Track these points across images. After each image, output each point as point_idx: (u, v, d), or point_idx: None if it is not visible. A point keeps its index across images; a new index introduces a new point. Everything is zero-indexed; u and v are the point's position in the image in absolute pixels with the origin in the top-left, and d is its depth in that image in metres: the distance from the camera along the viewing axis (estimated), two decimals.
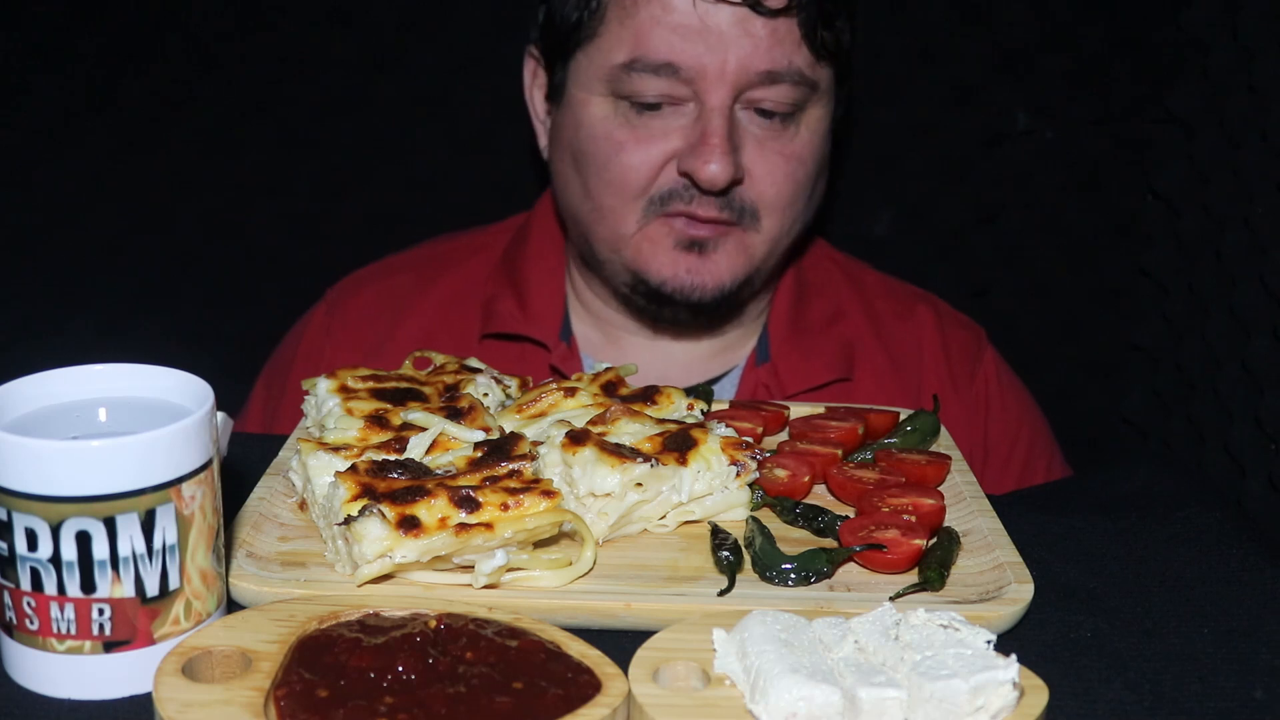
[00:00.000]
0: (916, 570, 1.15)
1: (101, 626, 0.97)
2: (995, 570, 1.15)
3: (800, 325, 1.89)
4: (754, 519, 1.22)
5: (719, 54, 1.62)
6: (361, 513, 1.07)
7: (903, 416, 1.46)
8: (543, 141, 1.86)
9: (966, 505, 1.28)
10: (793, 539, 1.22)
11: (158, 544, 0.97)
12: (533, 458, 1.19)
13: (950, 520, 1.25)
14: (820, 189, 1.81)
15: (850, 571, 1.16)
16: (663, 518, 1.23)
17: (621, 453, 1.20)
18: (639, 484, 1.19)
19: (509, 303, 1.88)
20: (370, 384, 1.35)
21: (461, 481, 1.12)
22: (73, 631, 0.97)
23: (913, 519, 1.20)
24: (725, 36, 1.62)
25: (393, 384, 1.35)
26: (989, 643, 0.95)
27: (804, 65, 1.66)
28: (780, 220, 1.73)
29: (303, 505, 1.24)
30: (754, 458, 1.26)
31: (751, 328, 1.92)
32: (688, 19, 1.62)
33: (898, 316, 1.95)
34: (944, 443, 1.45)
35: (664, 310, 1.79)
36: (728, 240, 1.71)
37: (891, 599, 1.10)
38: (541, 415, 1.34)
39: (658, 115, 1.67)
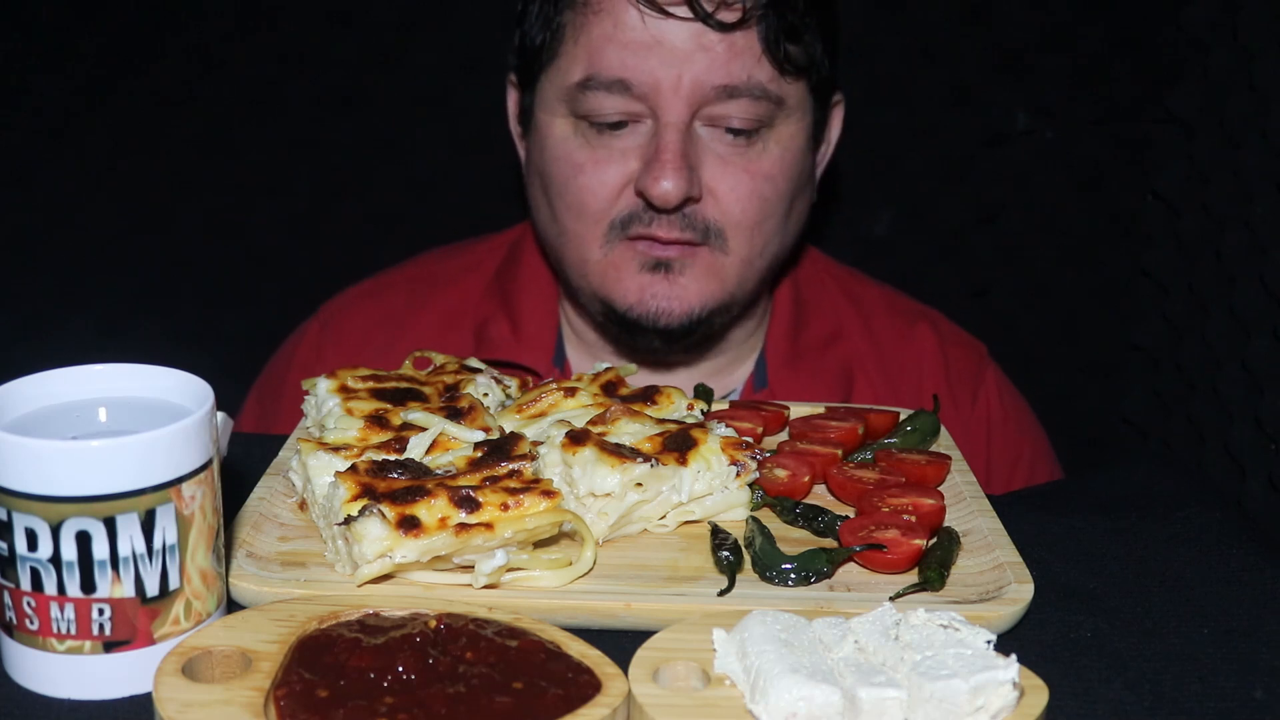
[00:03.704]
0: (916, 570, 1.15)
1: (101, 626, 0.97)
2: (995, 570, 1.15)
3: (798, 348, 1.87)
4: (754, 519, 1.22)
5: (673, 69, 1.59)
6: (361, 513, 1.07)
7: (903, 416, 1.46)
8: (523, 168, 1.85)
9: (966, 505, 1.28)
10: (793, 539, 1.22)
11: (158, 544, 0.97)
12: (533, 458, 1.19)
13: (950, 520, 1.24)
14: (801, 208, 1.77)
15: (850, 571, 1.16)
16: (663, 518, 1.23)
17: (621, 453, 1.20)
18: (639, 484, 1.19)
19: (502, 327, 1.86)
20: (370, 384, 1.35)
21: (461, 481, 1.12)
22: (73, 631, 0.97)
23: (913, 519, 1.20)
24: (679, 51, 1.59)
25: (393, 384, 1.35)
26: (989, 643, 0.95)
27: (765, 79, 1.62)
28: (749, 241, 1.68)
29: (303, 505, 1.24)
30: (754, 458, 1.26)
31: (745, 351, 1.89)
32: (639, 35, 1.60)
33: (898, 336, 1.92)
34: (944, 443, 1.44)
35: (637, 339, 1.74)
36: (694, 263, 1.67)
37: (891, 599, 1.10)
38: (541, 415, 1.34)
39: (616, 136, 1.64)
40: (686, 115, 1.62)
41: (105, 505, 0.94)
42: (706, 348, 1.83)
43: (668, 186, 1.59)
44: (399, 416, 1.27)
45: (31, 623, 0.97)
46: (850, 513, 1.25)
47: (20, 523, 0.95)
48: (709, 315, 1.71)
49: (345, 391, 1.33)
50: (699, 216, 1.65)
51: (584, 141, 1.66)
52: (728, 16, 1.59)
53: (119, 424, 1.05)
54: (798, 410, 1.49)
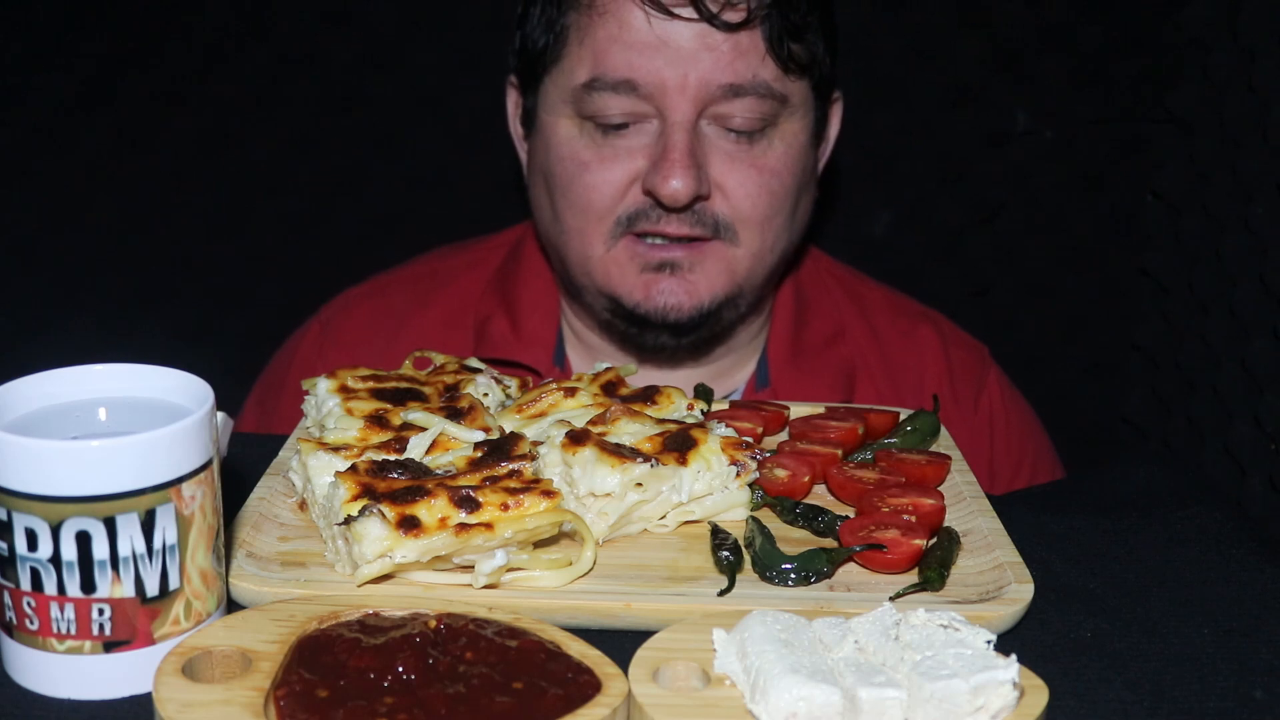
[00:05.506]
0: (916, 570, 1.15)
1: (101, 626, 0.97)
2: (995, 570, 1.15)
3: (800, 347, 1.87)
4: (754, 519, 1.22)
5: (678, 69, 1.60)
6: (361, 513, 1.07)
7: (903, 416, 1.46)
8: (524, 170, 1.85)
9: (966, 505, 1.28)
10: (793, 539, 1.22)
11: (158, 544, 0.97)
12: (533, 458, 1.19)
13: (950, 520, 1.24)
14: (806, 204, 1.77)
15: (850, 571, 1.16)
16: (663, 518, 1.23)
17: (621, 453, 1.20)
18: (639, 484, 1.19)
19: (502, 325, 1.86)
20: (370, 384, 1.35)
21: (461, 481, 1.12)
22: (73, 631, 0.97)
23: (913, 519, 1.20)
24: (684, 51, 1.60)
25: (393, 384, 1.35)
26: (989, 643, 0.95)
27: (770, 78, 1.63)
28: (760, 235, 1.69)
29: (303, 505, 1.24)
30: (754, 458, 1.26)
31: (748, 351, 1.89)
32: (645, 36, 1.60)
33: (900, 336, 1.93)
34: (944, 443, 1.44)
35: (645, 335, 1.75)
36: (705, 258, 1.68)
37: (891, 599, 1.10)
38: (541, 415, 1.34)
39: (622, 135, 1.65)
40: (693, 114, 1.62)
41: (105, 505, 0.94)
42: (710, 347, 1.83)
43: (677, 185, 1.60)
44: (399, 416, 1.27)
45: (31, 623, 0.97)
46: (850, 513, 1.25)
47: (20, 523, 0.95)
48: (718, 308, 1.71)
49: (345, 391, 1.33)
50: (709, 213, 1.66)
51: (590, 141, 1.67)
52: (732, 16, 1.60)
53: (119, 424, 1.05)
54: (798, 410, 1.49)
